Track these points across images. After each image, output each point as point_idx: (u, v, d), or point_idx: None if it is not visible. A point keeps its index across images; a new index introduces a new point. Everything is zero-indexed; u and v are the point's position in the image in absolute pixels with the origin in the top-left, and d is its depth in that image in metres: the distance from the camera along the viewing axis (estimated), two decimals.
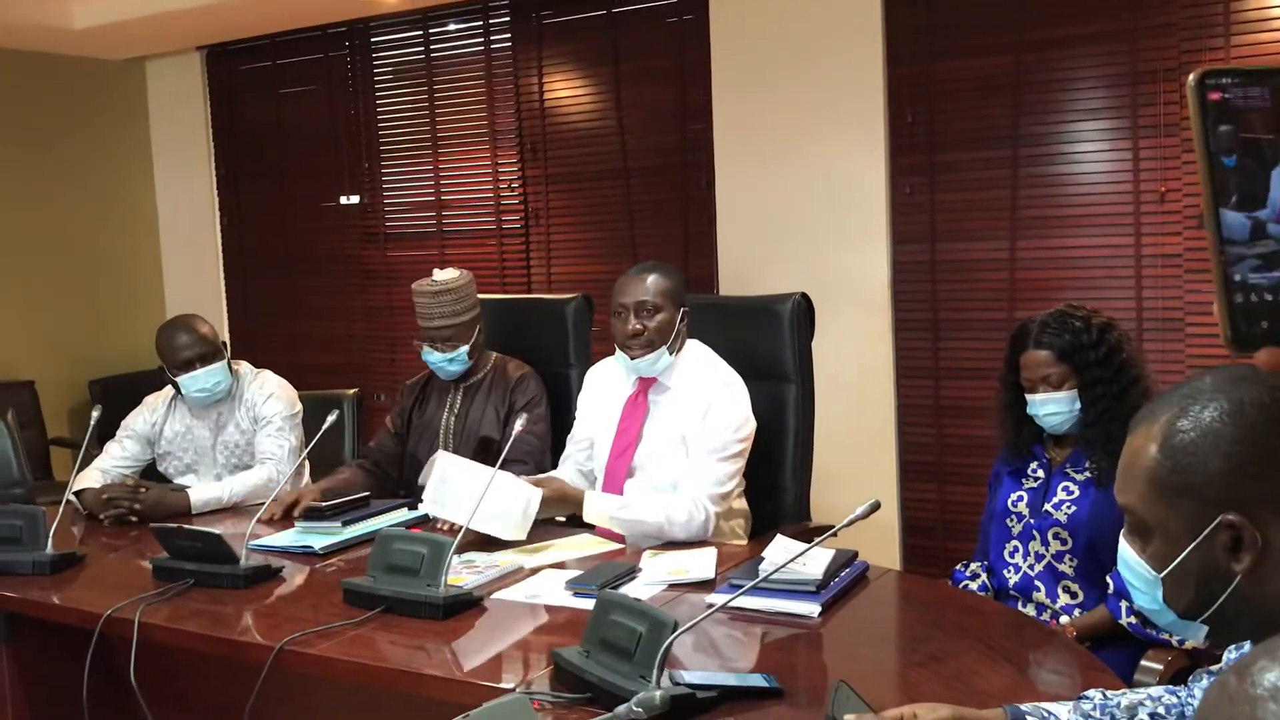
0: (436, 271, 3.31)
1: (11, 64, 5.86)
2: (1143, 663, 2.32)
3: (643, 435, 2.89)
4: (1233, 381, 1.23)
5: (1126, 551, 1.31)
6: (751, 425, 2.86)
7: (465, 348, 3.24)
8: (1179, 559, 1.24)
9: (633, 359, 2.87)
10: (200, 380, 3.33)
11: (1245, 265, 0.96)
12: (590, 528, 2.85)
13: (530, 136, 5.34)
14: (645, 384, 2.93)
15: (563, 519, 2.87)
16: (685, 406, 2.85)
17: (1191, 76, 0.98)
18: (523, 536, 2.67)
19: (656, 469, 2.85)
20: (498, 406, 3.28)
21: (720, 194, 4.79)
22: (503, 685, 1.92)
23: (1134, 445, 1.27)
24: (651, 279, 2.88)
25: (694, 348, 2.95)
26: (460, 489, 2.68)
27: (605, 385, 3.04)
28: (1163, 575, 1.26)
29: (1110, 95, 4.06)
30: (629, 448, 2.90)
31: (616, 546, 2.69)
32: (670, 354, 2.88)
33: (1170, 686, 1.68)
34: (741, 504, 2.96)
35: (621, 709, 1.53)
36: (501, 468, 2.58)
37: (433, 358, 3.27)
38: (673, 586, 2.35)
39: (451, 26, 5.56)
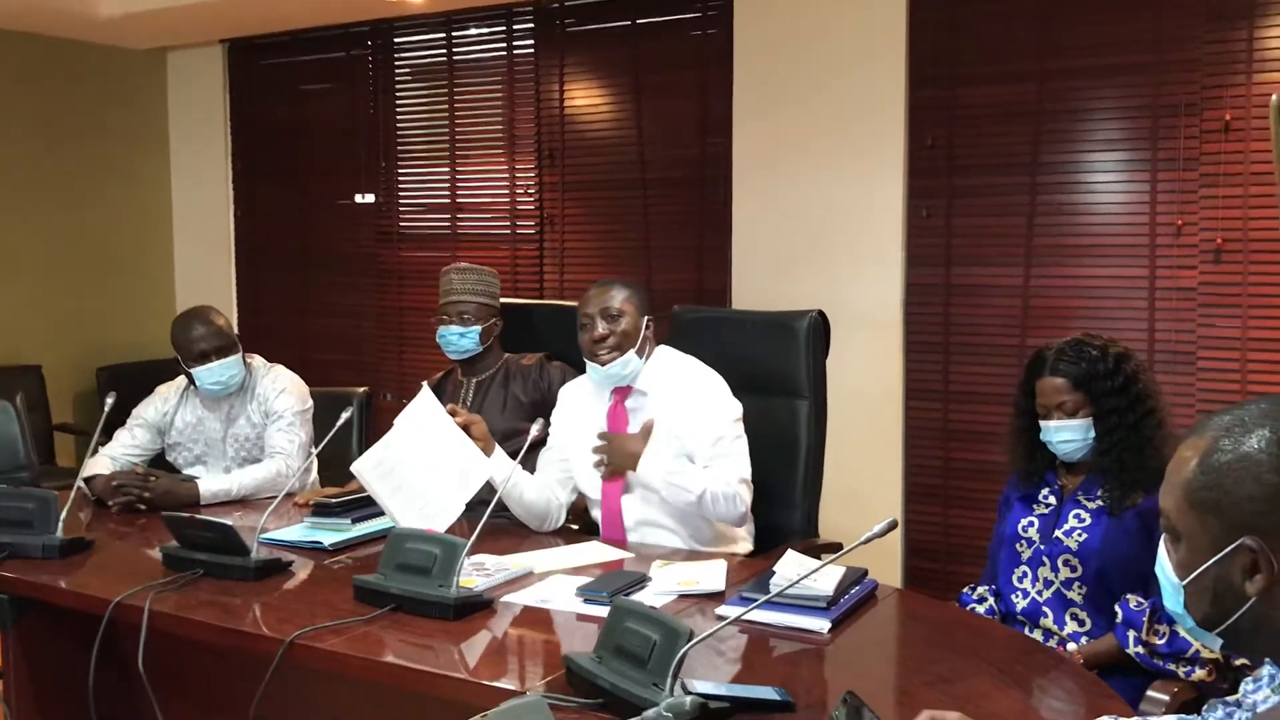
0: None
1: (34, 49, 5.89)
2: (1149, 693, 2.32)
3: None
4: None
5: (1162, 552, 1.37)
6: (740, 409, 2.91)
7: (478, 328, 3.30)
8: (1198, 571, 1.30)
9: (602, 364, 2.89)
10: (215, 373, 3.34)
11: None
12: (597, 535, 2.86)
13: (548, 143, 5.36)
14: (621, 395, 2.94)
15: (575, 526, 2.86)
16: (669, 404, 2.86)
17: (1275, 97, 1.00)
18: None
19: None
20: (519, 394, 3.31)
21: (737, 209, 4.80)
22: (512, 687, 1.92)
23: (1181, 454, 1.32)
24: (615, 289, 2.93)
25: (663, 352, 2.99)
26: (413, 460, 2.76)
27: (581, 402, 3.03)
28: (1184, 583, 1.32)
29: (1131, 127, 4.08)
30: None
31: (626, 555, 2.70)
32: (639, 357, 2.90)
33: (1182, 716, 1.68)
34: None
35: (651, 712, 1.53)
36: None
37: (448, 331, 3.31)
38: (683, 597, 2.35)
39: (474, 30, 5.57)
